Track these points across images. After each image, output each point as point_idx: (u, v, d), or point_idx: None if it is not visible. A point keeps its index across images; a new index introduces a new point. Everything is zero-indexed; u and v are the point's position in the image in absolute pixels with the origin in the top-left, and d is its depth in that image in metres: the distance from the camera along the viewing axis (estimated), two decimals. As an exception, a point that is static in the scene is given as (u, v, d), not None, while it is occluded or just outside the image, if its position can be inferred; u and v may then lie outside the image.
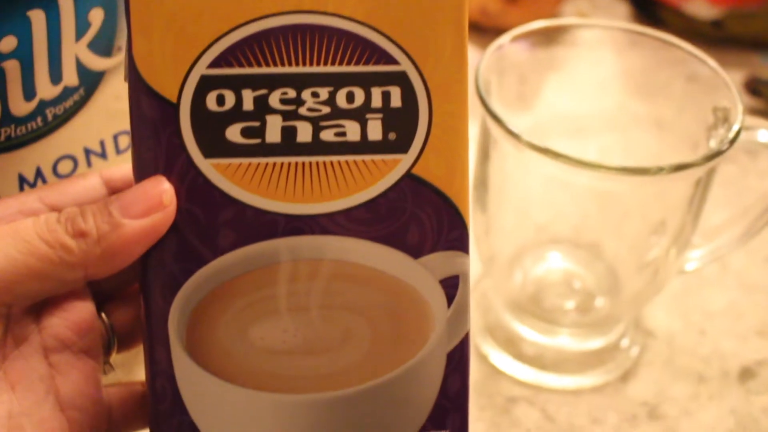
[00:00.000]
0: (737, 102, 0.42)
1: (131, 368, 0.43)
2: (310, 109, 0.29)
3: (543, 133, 0.45)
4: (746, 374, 0.47)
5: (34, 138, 0.37)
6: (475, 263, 0.45)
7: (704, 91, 0.44)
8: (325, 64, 0.29)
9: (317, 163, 0.29)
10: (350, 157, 0.30)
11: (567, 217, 0.49)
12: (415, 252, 0.30)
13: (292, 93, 0.29)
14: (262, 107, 0.29)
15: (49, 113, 0.37)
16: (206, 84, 0.29)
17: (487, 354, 0.47)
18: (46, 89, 0.36)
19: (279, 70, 0.29)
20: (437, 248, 0.30)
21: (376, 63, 0.29)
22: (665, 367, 0.48)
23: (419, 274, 0.30)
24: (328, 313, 0.30)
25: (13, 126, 0.36)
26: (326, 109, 0.29)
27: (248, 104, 0.29)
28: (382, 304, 0.30)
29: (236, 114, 0.29)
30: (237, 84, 0.29)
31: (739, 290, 0.52)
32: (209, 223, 0.29)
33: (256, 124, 0.29)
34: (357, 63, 0.29)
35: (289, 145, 0.29)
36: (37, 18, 0.34)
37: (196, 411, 0.30)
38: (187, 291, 0.29)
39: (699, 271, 0.49)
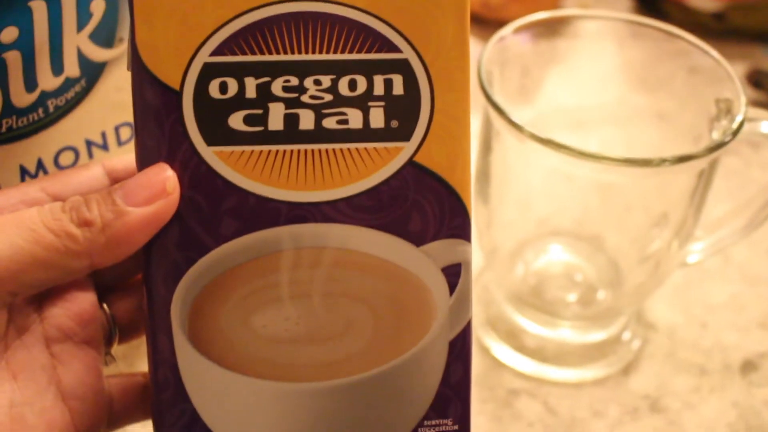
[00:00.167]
0: (740, 93, 0.42)
1: (133, 360, 0.43)
2: (312, 97, 0.29)
3: (545, 125, 0.45)
4: (748, 367, 0.47)
5: (35, 129, 0.37)
6: (476, 255, 0.45)
7: (707, 83, 0.44)
8: (328, 51, 0.29)
9: (319, 151, 0.29)
10: (352, 145, 0.30)
11: (569, 209, 0.49)
12: (417, 240, 0.30)
13: (294, 81, 0.29)
14: (265, 95, 0.29)
15: (51, 104, 0.37)
16: (209, 72, 0.29)
17: (489, 347, 0.47)
18: (47, 80, 0.36)
19: (281, 57, 0.29)
20: (439, 236, 0.30)
21: (379, 51, 0.29)
22: (667, 359, 0.48)
23: (421, 262, 0.30)
24: (331, 301, 0.30)
25: (14, 117, 0.36)
26: (329, 97, 0.29)
27: (251, 92, 0.29)
28: (385, 292, 0.30)
29: (239, 102, 0.29)
30: (240, 72, 0.29)
31: (741, 283, 0.52)
32: (212, 210, 0.29)
33: (259, 111, 0.29)
34: (359, 51, 0.29)
35: (291, 132, 0.29)
36: (39, 9, 0.34)
37: (198, 399, 0.30)
38: (189, 279, 0.29)
39: (701, 263, 0.49)
